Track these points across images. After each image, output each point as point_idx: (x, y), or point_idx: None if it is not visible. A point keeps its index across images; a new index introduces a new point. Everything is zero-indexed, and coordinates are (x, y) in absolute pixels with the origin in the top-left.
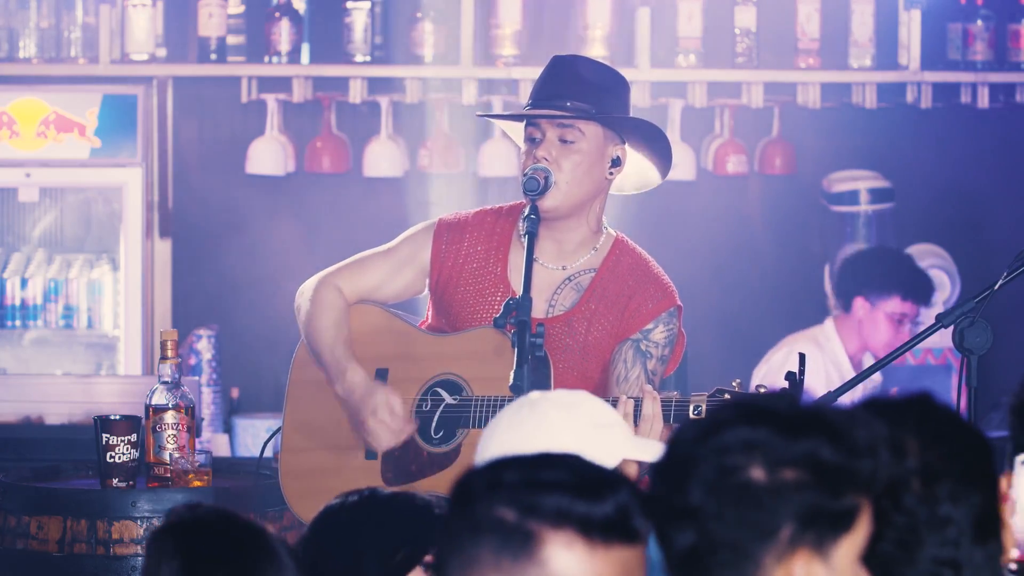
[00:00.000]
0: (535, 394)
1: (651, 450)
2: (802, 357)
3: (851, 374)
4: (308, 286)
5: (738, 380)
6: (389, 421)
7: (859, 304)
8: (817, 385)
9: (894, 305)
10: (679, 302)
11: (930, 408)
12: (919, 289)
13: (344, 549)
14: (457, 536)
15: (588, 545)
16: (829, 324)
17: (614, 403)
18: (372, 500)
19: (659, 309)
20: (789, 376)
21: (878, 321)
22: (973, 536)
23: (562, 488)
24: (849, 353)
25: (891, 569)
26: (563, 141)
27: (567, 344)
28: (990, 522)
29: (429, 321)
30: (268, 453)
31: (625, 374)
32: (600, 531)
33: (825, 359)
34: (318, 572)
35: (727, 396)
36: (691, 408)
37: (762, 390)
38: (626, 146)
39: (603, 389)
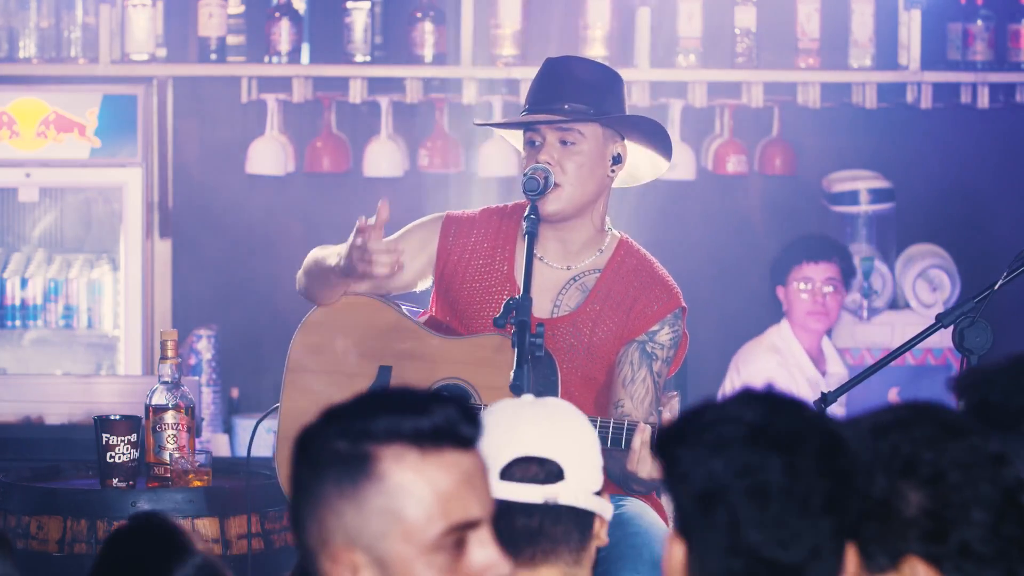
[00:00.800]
0: (529, 397)
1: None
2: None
3: (813, 373)
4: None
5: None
6: (376, 246)
7: (780, 294)
8: (794, 390)
9: (794, 274)
10: (684, 304)
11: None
12: (810, 248)
13: None
14: (303, 483)
15: (420, 452)
16: (785, 324)
17: (631, 428)
18: None
19: (665, 311)
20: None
21: (791, 297)
22: None
23: (389, 410)
24: (805, 347)
25: None
26: (564, 143)
27: (572, 344)
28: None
29: (432, 313)
30: (265, 450)
31: (631, 376)
32: (429, 439)
33: (788, 364)
34: None
35: None
36: None
37: None
38: (625, 142)
39: (607, 391)
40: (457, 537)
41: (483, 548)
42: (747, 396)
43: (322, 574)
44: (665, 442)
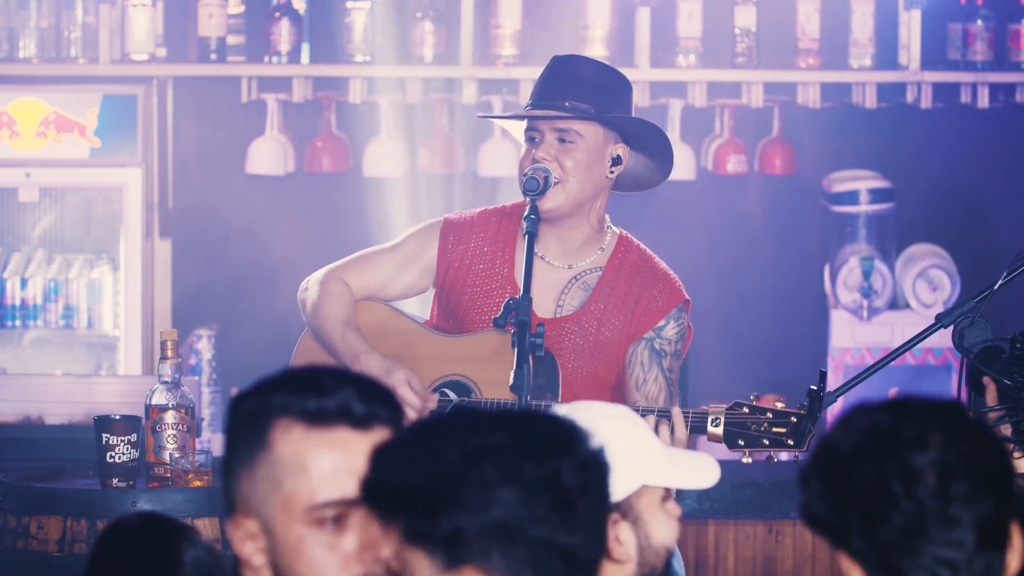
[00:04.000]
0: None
1: (679, 477)
2: (823, 374)
3: None
4: (313, 279)
5: (755, 393)
6: (410, 396)
7: None
8: None
9: None
10: (687, 296)
11: (961, 412)
12: None
13: None
14: (223, 452)
15: (306, 428)
16: None
17: (663, 413)
18: None
19: (669, 305)
20: (811, 392)
21: None
22: (977, 543)
23: (289, 386)
24: None
25: (890, 556)
26: (562, 141)
27: (578, 344)
28: (997, 533)
29: (433, 321)
30: None
31: (643, 376)
32: (316, 418)
33: None
34: None
35: (745, 409)
36: (709, 420)
37: (779, 405)
38: (626, 145)
39: (616, 390)
40: (336, 515)
41: (361, 529)
42: (470, 421)
43: (230, 541)
44: (439, 491)
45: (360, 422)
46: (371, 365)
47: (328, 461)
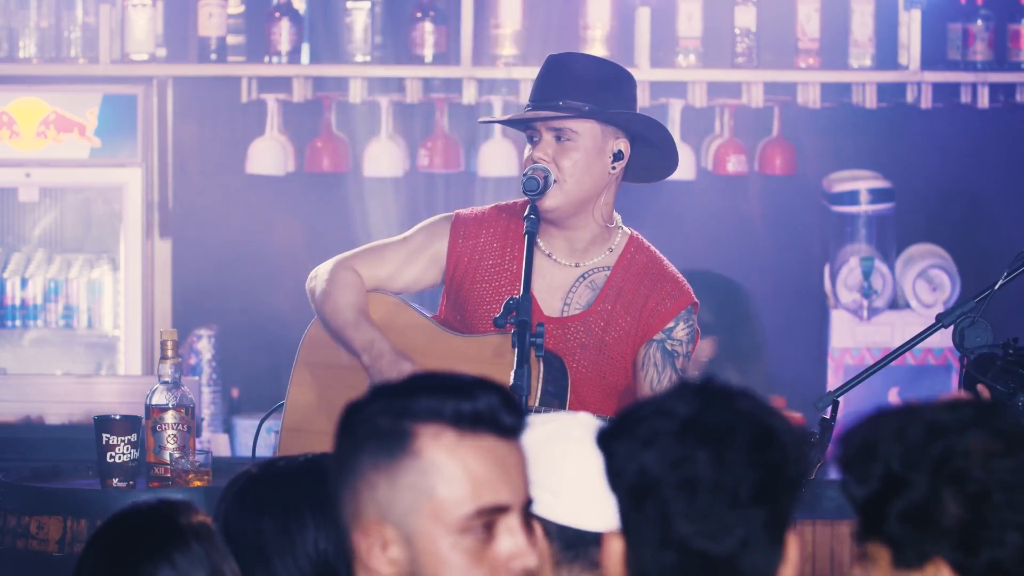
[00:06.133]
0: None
1: None
2: (835, 403)
3: None
4: (323, 268)
5: None
6: None
7: None
8: None
9: None
10: (695, 299)
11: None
12: None
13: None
14: (342, 456)
15: (457, 434)
16: None
17: None
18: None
19: (678, 307)
20: (822, 422)
21: None
22: None
23: (433, 390)
24: None
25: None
26: (559, 140)
27: (584, 343)
28: None
29: (442, 315)
30: (266, 450)
31: (658, 377)
32: (468, 422)
33: None
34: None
35: None
36: None
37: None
38: (628, 139)
39: (625, 394)
40: (485, 522)
41: (511, 536)
42: (683, 389)
43: (354, 548)
44: (603, 438)
45: (507, 431)
46: (383, 352)
47: (484, 468)
